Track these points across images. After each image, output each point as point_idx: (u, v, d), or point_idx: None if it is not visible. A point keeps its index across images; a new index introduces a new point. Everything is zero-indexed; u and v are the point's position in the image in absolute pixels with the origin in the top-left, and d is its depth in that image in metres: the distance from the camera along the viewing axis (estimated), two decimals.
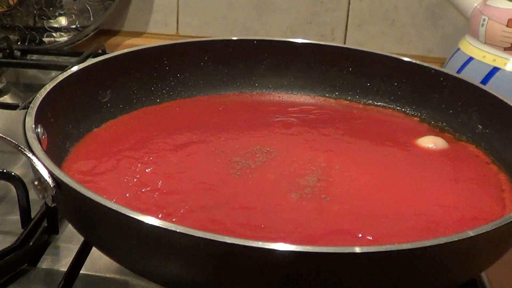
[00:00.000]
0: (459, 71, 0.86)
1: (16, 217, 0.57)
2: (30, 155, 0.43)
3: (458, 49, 0.89)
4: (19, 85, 0.98)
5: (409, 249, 0.37)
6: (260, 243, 0.35)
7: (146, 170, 0.53)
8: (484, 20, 0.84)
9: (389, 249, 0.37)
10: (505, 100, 0.60)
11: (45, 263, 0.55)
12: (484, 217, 0.50)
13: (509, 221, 0.41)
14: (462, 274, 0.43)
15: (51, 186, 0.42)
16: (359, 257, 0.37)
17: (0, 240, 0.56)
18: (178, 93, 0.70)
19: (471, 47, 0.87)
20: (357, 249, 0.37)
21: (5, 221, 0.60)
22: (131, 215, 0.37)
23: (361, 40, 1.10)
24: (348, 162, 0.58)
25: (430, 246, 0.37)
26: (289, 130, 0.64)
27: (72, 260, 0.52)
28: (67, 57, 1.02)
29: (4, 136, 0.45)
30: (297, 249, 0.36)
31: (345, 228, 0.47)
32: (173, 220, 0.46)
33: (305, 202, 0.50)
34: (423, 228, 0.48)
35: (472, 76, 0.81)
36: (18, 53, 0.99)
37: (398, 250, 0.37)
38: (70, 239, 0.57)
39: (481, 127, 0.63)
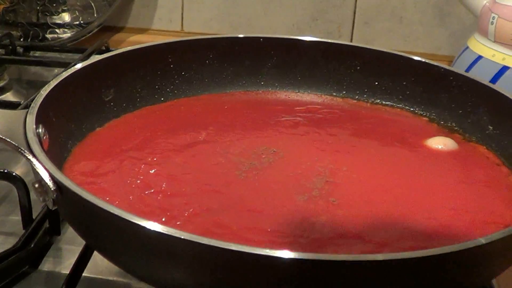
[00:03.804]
0: (467, 70, 0.85)
1: (17, 217, 0.57)
2: (30, 157, 0.42)
3: (467, 47, 0.88)
4: (21, 82, 0.97)
5: (416, 258, 0.36)
6: (267, 250, 0.34)
7: (150, 172, 0.52)
8: (493, 18, 0.83)
9: (395, 258, 0.36)
10: None
11: (46, 265, 0.54)
12: (495, 221, 0.50)
13: None
14: (472, 282, 0.42)
15: (52, 189, 0.41)
16: (363, 265, 0.36)
17: (1, 241, 0.56)
18: (183, 91, 0.69)
19: (480, 46, 0.85)
20: (361, 257, 0.36)
21: (6, 222, 0.59)
22: (134, 221, 0.36)
23: (368, 37, 1.09)
24: (355, 163, 0.57)
25: (439, 255, 0.36)
26: (295, 130, 0.63)
27: (74, 263, 0.51)
28: (70, 54, 1.01)
29: (4, 138, 0.44)
30: (303, 257, 0.35)
31: (354, 232, 0.46)
32: (178, 223, 0.45)
33: (312, 205, 0.49)
34: (433, 233, 0.47)
35: (481, 75, 0.80)
36: (20, 50, 0.99)
37: (404, 259, 0.36)
38: (72, 241, 0.56)
39: (491, 127, 0.62)
